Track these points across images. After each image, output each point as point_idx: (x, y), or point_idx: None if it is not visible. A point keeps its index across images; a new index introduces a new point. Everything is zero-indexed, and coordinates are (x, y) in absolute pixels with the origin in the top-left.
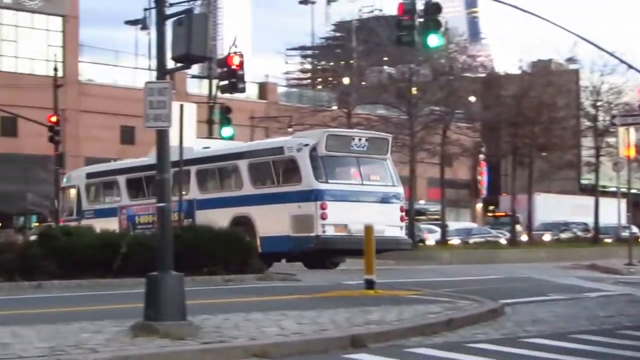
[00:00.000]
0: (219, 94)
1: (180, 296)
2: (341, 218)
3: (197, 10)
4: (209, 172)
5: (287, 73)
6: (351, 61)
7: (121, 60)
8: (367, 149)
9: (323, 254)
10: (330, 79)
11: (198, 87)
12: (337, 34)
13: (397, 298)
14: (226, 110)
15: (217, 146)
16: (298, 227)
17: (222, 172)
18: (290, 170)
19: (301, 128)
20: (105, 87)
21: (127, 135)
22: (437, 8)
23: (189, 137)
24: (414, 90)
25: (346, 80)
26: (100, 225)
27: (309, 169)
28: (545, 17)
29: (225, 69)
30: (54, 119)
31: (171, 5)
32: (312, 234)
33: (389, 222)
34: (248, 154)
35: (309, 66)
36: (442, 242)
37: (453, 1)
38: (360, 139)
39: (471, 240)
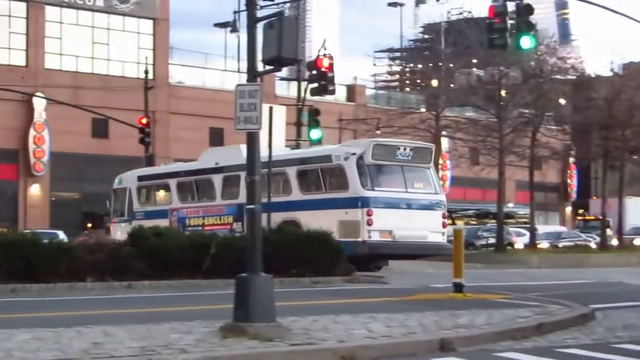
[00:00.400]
0: (308, 96)
1: (269, 298)
2: (386, 224)
3: (287, 13)
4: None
5: (375, 75)
6: (440, 63)
7: (210, 63)
8: (412, 158)
9: (368, 258)
10: (419, 81)
11: (286, 89)
12: (426, 36)
13: (486, 302)
14: (315, 113)
15: (265, 152)
16: (345, 232)
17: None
18: (338, 177)
19: (389, 130)
20: (195, 89)
21: (216, 137)
22: (529, 9)
23: (278, 139)
24: (503, 93)
25: (435, 83)
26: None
27: (356, 176)
28: (638, 18)
29: (314, 72)
30: (144, 120)
31: (261, 7)
32: (358, 239)
33: (431, 229)
34: (297, 161)
35: (397, 68)
36: (531, 245)
37: (543, 3)
38: (405, 149)
39: (560, 244)
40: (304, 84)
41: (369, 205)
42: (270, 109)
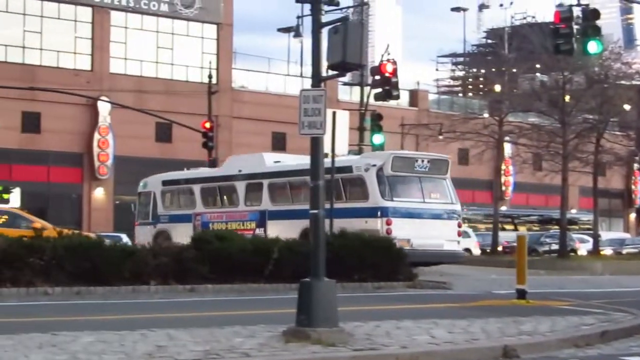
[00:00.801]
0: (370, 101)
1: (332, 303)
2: (404, 233)
3: (351, 18)
4: (280, 186)
5: (437, 80)
6: (503, 68)
7: (273, 68)
8: (429, 169)
9: None
10: (482, 86)
11: (348, 94)
12: (489, 41)
13: (549, 308)
14: (377, 118)
15: (287, 161)
16: None
17: (292, 186)
18: (358, 187)
19: (452, 136)
20: (258, 94)
21: (279, 142)
22: (596, 14)
23: (341, 144)
24: (567, 98)
25: (498, 88)
26: (175, 230)
27: (376, 187)
28: None
29: (378, 77)
30: (207, 125)
31: (326, 12)
32: None
33: (447, 237)
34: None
35: (460, 73)
36: (594, 252)
37: (608, 8)
38: (422, 160)
39: (624, 251)
40: (366, 88)
41: (388, 215)
42: (334, 114)
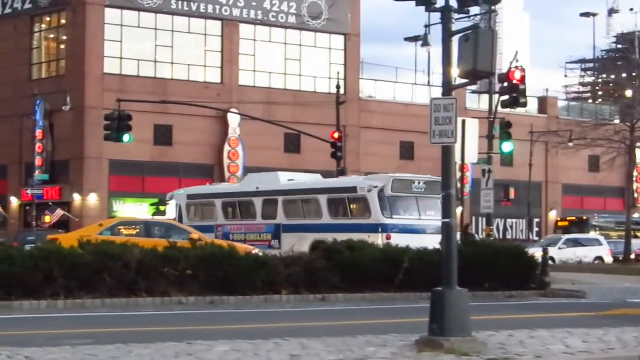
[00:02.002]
0: (499, 109)
1: (464, 312)
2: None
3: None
4: (293, 202)
5: (567, 87)
6: (634, 74)
7: (400, 77)
8: (425, 190)
9: None
10: (612, 92)
11: (477, 102)
12: (619, 46)
13: None
14: (506, 126)
15: (300, 179)
16: None
17: (305, 202)
18: (362, 206)
19: (582, 143)
20: (385, 104)
21: (407, 151)
22: None
23: (471, 153)
24: None
25: (629, 94)
26: None
27: (377, 206)
28: None
29: (506, 84)
30: (336, 135)
31: (456, 20)
32: None
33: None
34: (327, 190)
35: (589, 79)
36: None
37: None
38: (419, 182)
39: None
40: (495, 96)
41: (388, 230)
42: (463, 122)
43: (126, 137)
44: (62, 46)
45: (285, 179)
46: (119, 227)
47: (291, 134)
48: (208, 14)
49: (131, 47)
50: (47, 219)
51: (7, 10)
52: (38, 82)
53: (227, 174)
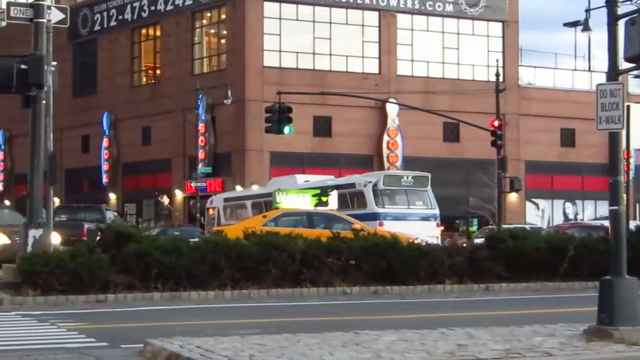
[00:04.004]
0: None
1: (634, 300)
2: (394, 232)
3: None
4: None
5: None
6: None
7: (560, 63)
8: (413, 183)
9: None
10: None
11: (638, 86)
12: None
13: None
14: None
15: (313, 179)
16: None
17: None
18: (360, 199)
19: None
20: (545, 90)
21: (567, 138)
22: None
23: (636, 138)
24: None
25: None
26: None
27: (372, 198)
28: None
29: None
30: (495, 123)
31: (621, 3)
32: None
33: (428, 234)
34: (334, 186)
35: None
36: None
37: None
38: (407, 177)
39: None
40: None
41: (380, 218)
42: (628, 107)
43: (286, 129)
44: (223, 41)
45: (301, 180)
46: (283, 218)
47: (450, 123)
48: (365, 5)
49: (290, 39)
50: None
51: (169, 7)
52: (200, 77)
53: (386, 164)
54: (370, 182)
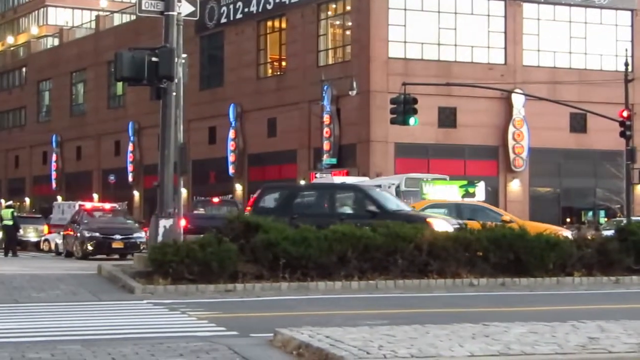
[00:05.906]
0: None
1: None
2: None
3: None
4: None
5: None
6: None
7: None
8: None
9: None
10: None
11: None
12: None
13: None
14: None
15: (349, 181)
16: None
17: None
18: None
19: None
20: None
21: None
22: None
23: None
24: None
25: None
26: None
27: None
28: None
29: None
30: (624, 113)
31: None
32: None
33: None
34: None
35: None
36: None
37: None
38: (426, 179)
39: None
40: None
41: None
42: None
43: (412, 120)
44: (347, 32)
45: (339, 181)
46: (429, 210)
47: (577, 114)
48: None
49: (415, 30)
50: None
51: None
52: (325, 68)
53: (511, 155)
54: (393, 184)
